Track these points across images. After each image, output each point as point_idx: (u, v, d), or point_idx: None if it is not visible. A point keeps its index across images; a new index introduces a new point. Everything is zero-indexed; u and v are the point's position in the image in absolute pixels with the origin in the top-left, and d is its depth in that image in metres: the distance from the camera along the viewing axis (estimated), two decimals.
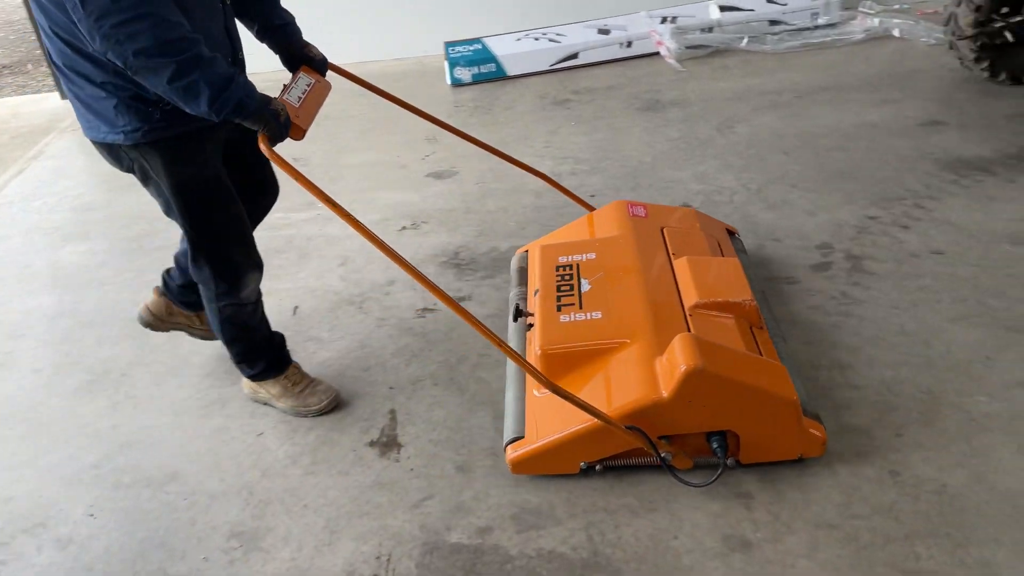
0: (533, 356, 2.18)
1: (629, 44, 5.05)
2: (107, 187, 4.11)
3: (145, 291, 2.71)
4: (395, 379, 2.58)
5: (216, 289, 2.23)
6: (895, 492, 1.98)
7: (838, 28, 4.95)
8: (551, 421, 2.07)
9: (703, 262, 2.40)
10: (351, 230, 2.48)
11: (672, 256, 2.46)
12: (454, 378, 2.55)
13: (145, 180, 2.12)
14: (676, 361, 1.92)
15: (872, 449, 2.11)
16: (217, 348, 2.81)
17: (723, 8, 5.06)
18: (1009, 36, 3.80)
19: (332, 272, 3.21)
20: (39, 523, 2.20)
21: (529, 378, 2.24)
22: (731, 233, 2.89)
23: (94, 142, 2.07)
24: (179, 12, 1.76)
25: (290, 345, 2.55)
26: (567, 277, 2.36)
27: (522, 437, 2.11)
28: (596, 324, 2.18)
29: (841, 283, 2.77)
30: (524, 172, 2.84)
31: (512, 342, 2.45)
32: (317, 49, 2.26)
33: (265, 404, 2.52)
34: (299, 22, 2.26)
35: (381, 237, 1.97)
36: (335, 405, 2.47)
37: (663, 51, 4.96)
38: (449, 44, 5.20)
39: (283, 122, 1.90)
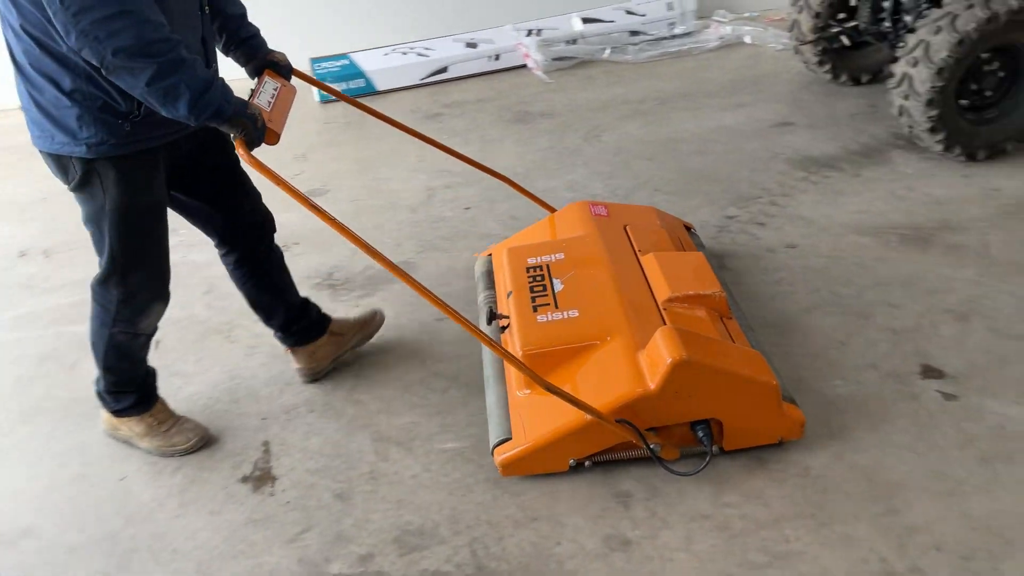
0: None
1: (497, 57, 5.10)
2: None
3: None
4: (268, 409, 2.48)
5: (116, 314, 2.12)
6: (763, 478, 2.07)
7: (694, 37, 5.17)
8: (537, 420, 2.08)
9: (670, 257, 2.44)
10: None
11: (639, 253, 2.50)
12: (330, 403, 2.48)
13: (82, 189, 1.96)
14: (661, 354, 1.95)
15: None
16: (74, 392, 2.63)
17: (585, 20, 5.19)
18: (846, 40, 4.07)
19: (197, 301, 3.07)
20: None
21: (510, 379, 2.24)
22: (688, 228, 2.97)
23: (42, 152, 1.94)
24: (160, 13, 1.69)
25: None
26: (539, 278, 2.37)
27: (509, 439, 2.10)
28: (574, 322, 2.19)
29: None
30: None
31: (485, 349, 2.44)
32: (283, 55, 2.22)
33: (125, 443, 2.37)
34: None
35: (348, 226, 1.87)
36: (203, 443, 2.35)
37: (530, 63, 5.04)
38: (315, 60, 5.10)
39: (259, 127, 1.85)
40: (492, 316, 2.32)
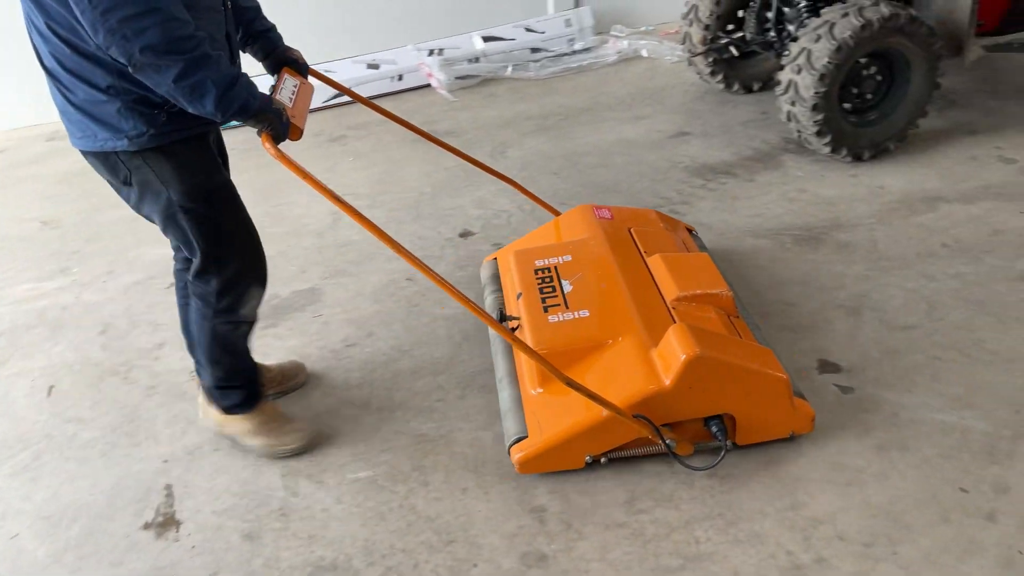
0: (528, 359, 2.20)
1: (400, 77, 5.08)
2: None
3: None
4: (170, 450, 2.38)
5: (217, 305, 2.09)
6: (674, 482, 2.10)
7: (593, 52, 5.28)
8: (553, 418, 2.09)
9: (676, 258, 2.48)
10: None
11: (644, 254, 2.53)
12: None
13: (143, 195, 1.95)
14: (675, 350, 1.98)
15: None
16: None
17: (486, 39, 5.23)
18: (735, 51, 4.23)
19: (92, 342, 2.93)
20: None
21: (523, 378, 2.25)
22: (689, 230, 3.00)
23: (87, 152, 1.91)
24: (185, 10, 1.69)
25: (46, 431, 2.29)
26: (547, 279, 2.39)
27: (525, 436, 2.09)
28: (585, 322, 2.22)
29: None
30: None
31: (498, 348, 2.45)
32: (298, 52, 2.23)
33: (232, 442, 2.33)
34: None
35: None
36: (315, 443, 2.32)
37: (434, 83, 5.04)
38: None
39: (284, 122, 1.85)
40: (503, 317, 2.35)
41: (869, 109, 3.59)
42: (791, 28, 3.83)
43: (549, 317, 2.25)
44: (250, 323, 2.22)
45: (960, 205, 3.24)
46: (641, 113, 4.41)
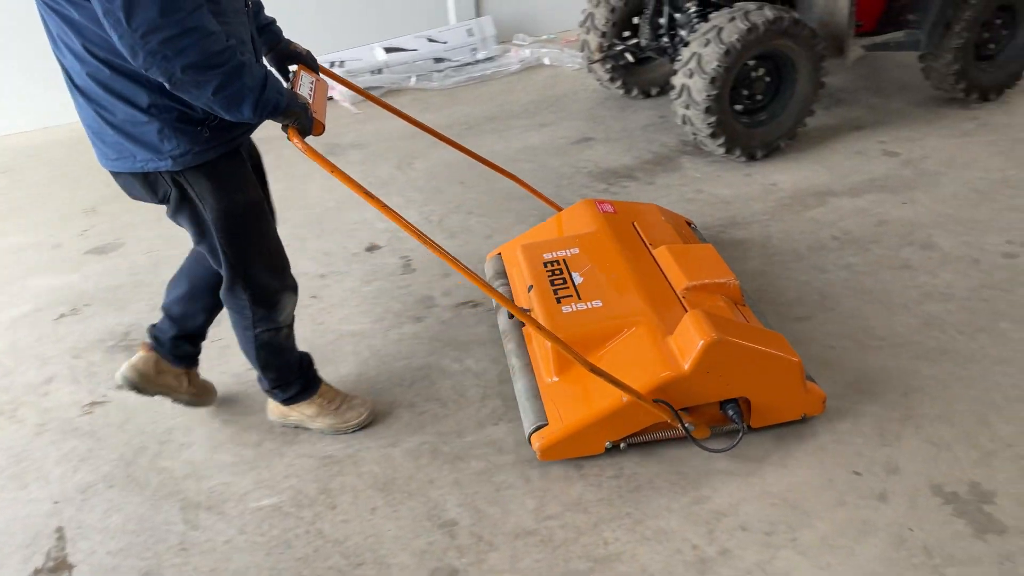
0: (543, 348, 2.26)
1: None
2: None
3: None
4: (60, 491, 2.26)
5: (253, 316, 2.13)
6: (581, 485, 2.11)
7: (496, 61, 5.31)
8: (572, 405, 2.13)
9: (683, 249, 2.53)
10: None
11: (650, 246, 2.59)
12: (132, 475, 2.29)
13: (180, 208, 1.97)
14: (692, 336, 2.03)
15: None
16: None
17: (388, 50, 5.19)
18: (630, 57, 4.32)
19: None
20: None
21: (538, 367, 2.29)
22: (688, 224, 3.03)
23: (122, 173, 1.92)
24: (215, 22, 1.69)
25: None
26: (557, 272, 2.43)
27: (545, 424, 2.13)
28: (599, 312, 2.27)
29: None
30: None
31: (510, 340, 2.46)
32: (301, 46, 2.24)
33: (296, 427, 2.39)
34: None
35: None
36: (375, 416, 2.40)
37: (336, 95, 4.97)
38: None
39: (309, 116, 1.86)
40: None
41: (759, 110, 3.71)
42: (683, 33, 3.93)
43: (563, 308, 2.30)
44: (289, 325, 2.25)
45: (848, 198, 3.39)
46: (545, 120, 4.45)
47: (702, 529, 1.96)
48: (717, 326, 2.05)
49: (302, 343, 2.77)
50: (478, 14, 5.58)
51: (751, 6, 3.48)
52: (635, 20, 4.31)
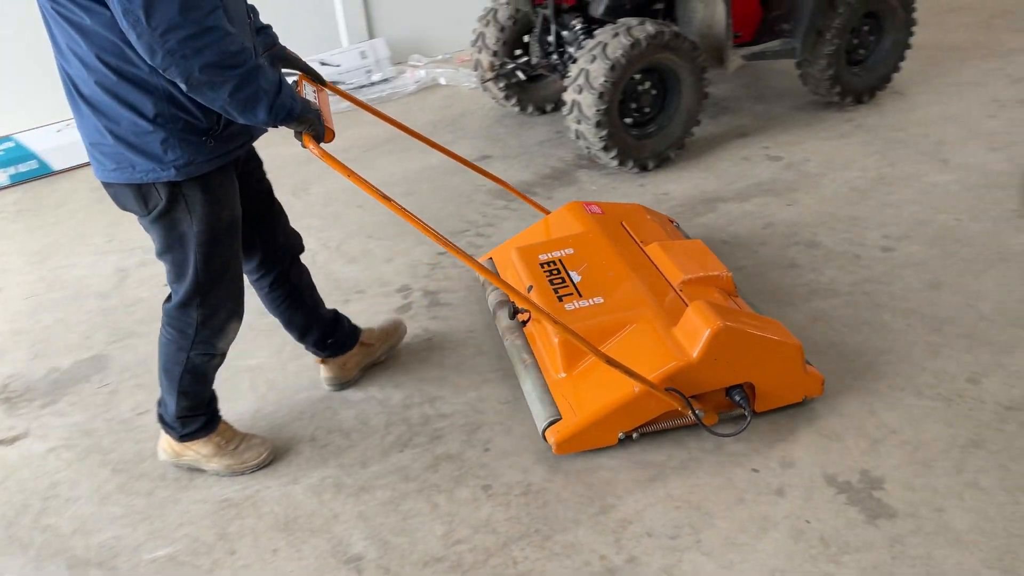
0: (549, 345, 2.29)
1: None
2: None
3: None
4: None
5: (195, 337, 2.07)
6: (490, 506, 2.10)
7: (392, 82, 5.29)
8: (584, 399, 2.17)
9: (674, 245, 2.61)
10: None
11: (641, 244, 2.66)
12: (14, 535, 2.15)
13: (162, 218, 1.91)
14: (698, 325, 2.10)
15: (465, 471, 2.21)
16: None
17: None
18: (522, 75, 4.37)
19: None
20: None
21: (545, 364, 2.33)
22: (671, 222, 3.08)
23: (115, 184, 1.87)
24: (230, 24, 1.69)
25: None
26: (555, 272, 2.49)
27: (558, 419, 2.15)
28: (601, 308, 2.33)
29: (423, 320, 2.90)
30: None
31: (510, 341, 2.48)
32: (295, 53, 2.27)
33: (191, 469, 2.28)
34: None
35: None
36: (273, 457, 2.31)
37: None
38: None
39: (320, 122, 1.86)
40: (515, 311, 2.43)
41: (648, 122, 3.81)
42: (571, 50, 4.01)
43: (565, 306, 2.35)
44: (223, 354, 2.21)
45: (736, 203, 3.51)
46: (443, 140, 4.44)
47: (609, 539, 1.97)
48: (722, 314, 2.13)
49: None
50: (371, 36, 5.55)
51: (633, 22, 3.58)
52: (525, 38, 4.37)
